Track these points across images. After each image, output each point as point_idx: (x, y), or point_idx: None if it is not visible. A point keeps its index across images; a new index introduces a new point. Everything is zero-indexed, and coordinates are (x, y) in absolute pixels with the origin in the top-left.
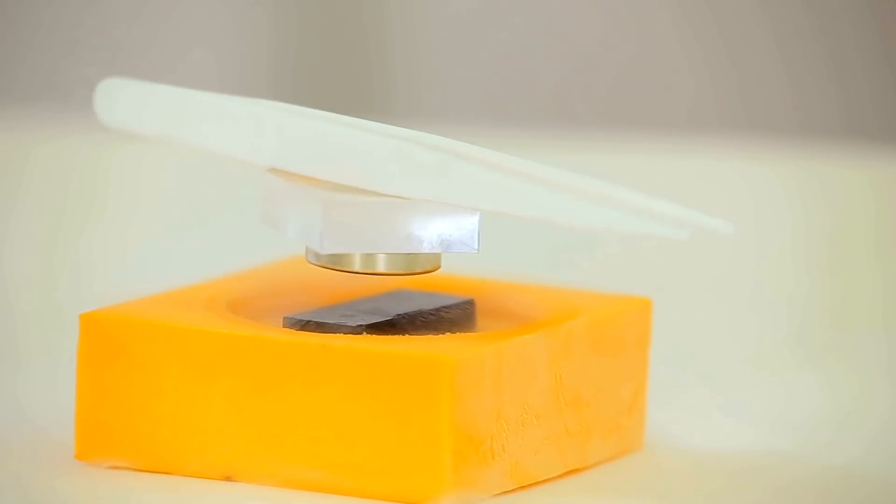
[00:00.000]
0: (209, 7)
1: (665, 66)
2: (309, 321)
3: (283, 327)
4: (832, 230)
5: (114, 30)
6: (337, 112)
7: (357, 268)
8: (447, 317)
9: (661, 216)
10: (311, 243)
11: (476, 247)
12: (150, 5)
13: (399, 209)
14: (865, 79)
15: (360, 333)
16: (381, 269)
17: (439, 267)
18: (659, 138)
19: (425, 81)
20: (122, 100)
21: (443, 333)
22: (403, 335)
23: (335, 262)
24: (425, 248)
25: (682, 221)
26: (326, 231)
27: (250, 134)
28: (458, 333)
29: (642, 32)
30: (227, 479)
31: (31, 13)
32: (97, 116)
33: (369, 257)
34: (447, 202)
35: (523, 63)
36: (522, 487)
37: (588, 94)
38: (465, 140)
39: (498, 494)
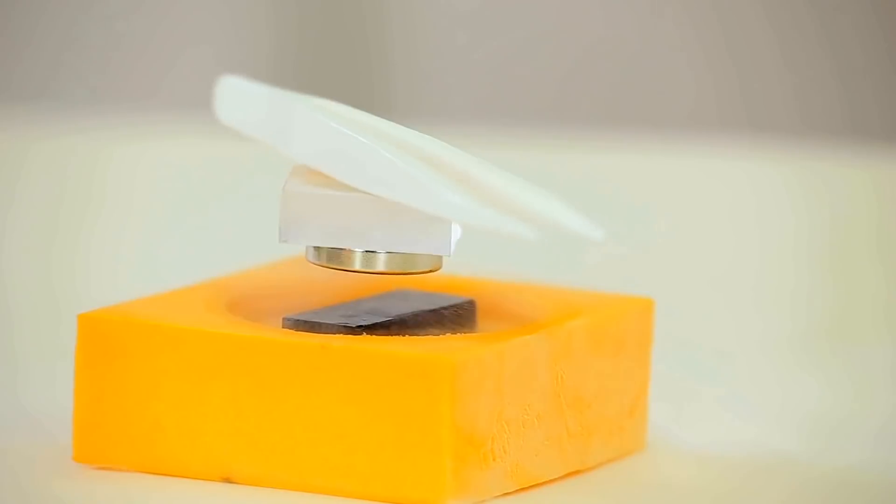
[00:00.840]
0: (208, 4)
1: (666, 65)
2: (308, 321)
3: (283, 328)
4: (835, 230)
5: (112, 28)
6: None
7: (357, 267)
8: (447, 317)
9: (523, 214)
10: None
11: (450, 251)
12: (147, 2)
13: (357, 204)
14: (868, 78)
15: (360, 334)
16: (380, 268)
17: (440, 267)
18: (660, 138)
19: (425, 79)
20: (240, 100)
21: (443, 334)
22: (403, 336)
23: (335, 262)
24: (383, 247)
25: (545, 222)
26: (284, 222)
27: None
28: (458, 334)
29: (644, 31)
30: (227, 480)
31: (27, 10)
32: (215, 113)
33: (369, 256)
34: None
35: (524, 61)
36: (523, 489)
37: (589, 93)
38: (466, 139)
39: (499, 496)
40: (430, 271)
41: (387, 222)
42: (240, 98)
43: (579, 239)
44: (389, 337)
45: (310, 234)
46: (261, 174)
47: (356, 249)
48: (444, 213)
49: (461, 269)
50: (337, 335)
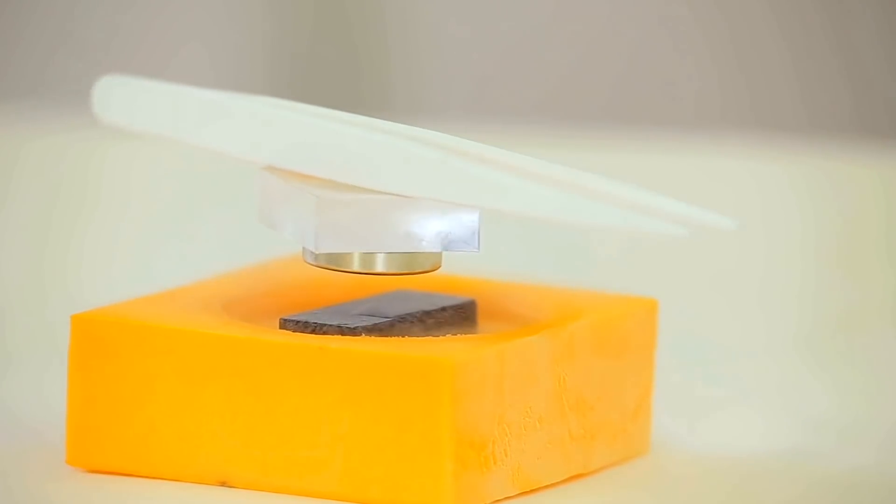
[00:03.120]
0: (204, 1)
1: (672, 62)
2: (306, 322)
3: (280, 329)
4: (842, 229)
5: (105, 25)
6: (333, 108)
7: (355, 268)
8: (447, 318)
9: (661, 213)
10: (305, 243)
11: (477, 246)
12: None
13: (396, 207)
14: (876, 75)
15: (359, 335)
16: (379, 269)
17: (439, 267)
18: (666, 135)
19: (424, 77)
20: (121, 97)
21: (443, 335)
22: (403, 337)
23: (333, 263)
24: (424, 247)
25: (683, 218)
26: (321, 230)
27: (247, 132)
28: (458, 335)
29: (648, 27)
30: (223, 484)
31: (19, 7)
32: (95, 114)
33: (368, 257)
34: (445, 200)
35: (525, 59)
36: (525, 493)
37: (593, 90)
38: (466, 137)
39: (500, 500)
40: (430, 271)
41: (418, 222)
42: (134, 94)
43: (716, 231)
44: (388, 338)
45: (348, 240)
46: (258, 172)
47: (395, 251)
48: (595, 221)
49: (462, 269)
50: (335, 336)
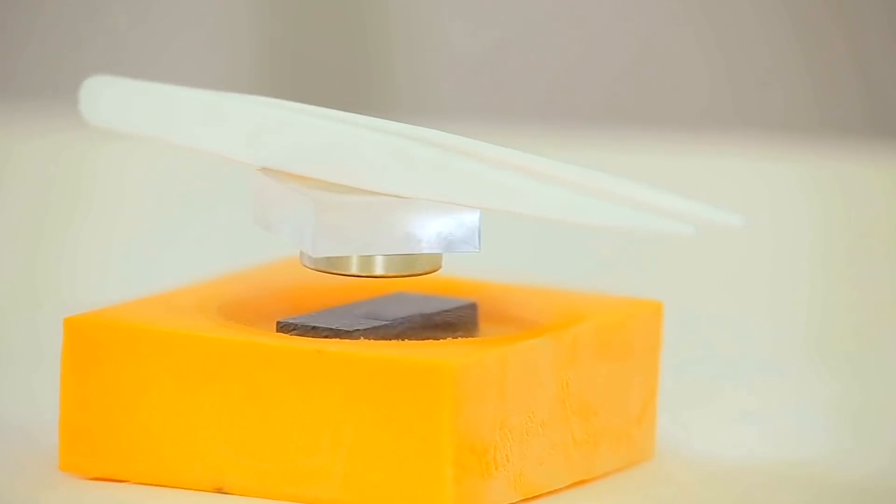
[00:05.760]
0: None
1: (678, 61)
2: (304, 325)
3: (277, 332)
4: (851, 230)
5: (100, 24)
6: (332, 108)
7: (354, 270)
8: (448, 321)
9: (667, 211)
10: (303, 246)
11: (478, 246)
12: None
13: (395, 208)
14: (887, 75)
15: (357, 338)
16: (378, 271)
17: (440, 268)
18: (673, 135)
19: (424, 75)
20: (109, 98)
21: (443, 338)
22: (402, 340)
23: (331, 265)
24: (423, 249)
25: (690, 216)
26: (318, 232)
27: (241, 133)
28: (459, 338)
29: (654, 25)
30: (219, 490)
31: (12, 9)
32: (82, 115)
33: (366, 259)
34: (446, 201)
35: (528, 56)
36: (527, 499)
37: (598, 90)
38: (468, 136)
39: None
40: (430, 272)
41: (418, 223)
42: (123, 95)
43: (724, 228)
44: (387, 342)
45: (346, 243)
46: (254, 173)
47: (392, 254)
48: (601, 221)
49: (462, 270)
50: (333, 340)
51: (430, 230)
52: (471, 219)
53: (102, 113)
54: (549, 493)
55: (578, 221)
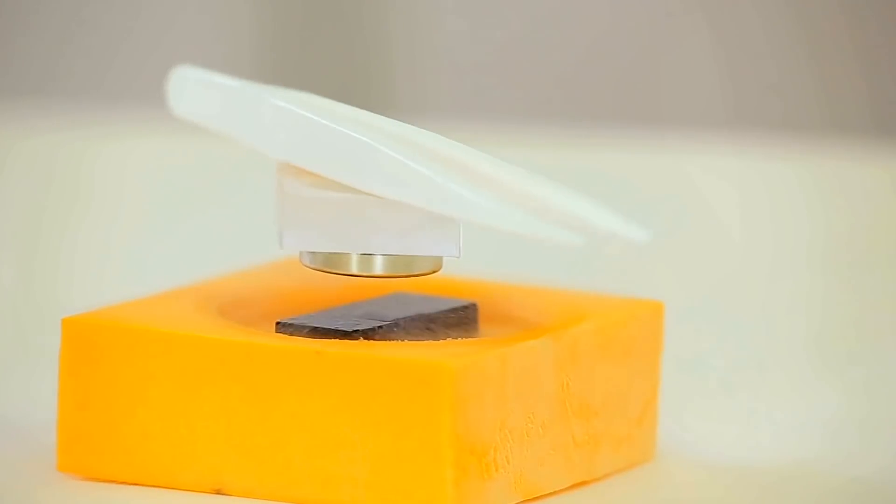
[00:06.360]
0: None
1: (678, 60)
2: (303, 326)
3: (276, 332)
4: (851, 230)
5: (96, 23)
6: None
7: (354, 270)
8: (448, 321)
9: (574, 220)
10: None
11: (457, 252)
12: None
13: (364, 207)
14: (888, 74)
15: (357, 339)
16: (378, 271)
17: (440, 269)
18: (672, 135)
19: (424, 74)
20: (193, 91)
21: (443, 339)
22: (402, 341)
23: (330, 265)
24: (390, 250)
25: (596, 227)
26: (286, 227)
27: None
28: (459, 339)
29: (653, 25)
30: (218, 492)
31: (11, 7)
32: (169, 106)
33: (366, 259)
34: (350, 185)
35: (530, 55)
36: (528, 500)
37: (598, 89)
38: (466, 136)
39: None
40: (429, 273)
41: (392, 224)
42: (203, 91)
43: (622, 242)
44: (387, 342)
45: (313, 240)
46: (253, 173)
47: (357, 253)
48: (473, 217)
49: (462, 271)
50: (333, 340)
51: (399, 231)
52: (449, 224)
53: (185, 105)
54: (550, 494)
55: (469, 220)
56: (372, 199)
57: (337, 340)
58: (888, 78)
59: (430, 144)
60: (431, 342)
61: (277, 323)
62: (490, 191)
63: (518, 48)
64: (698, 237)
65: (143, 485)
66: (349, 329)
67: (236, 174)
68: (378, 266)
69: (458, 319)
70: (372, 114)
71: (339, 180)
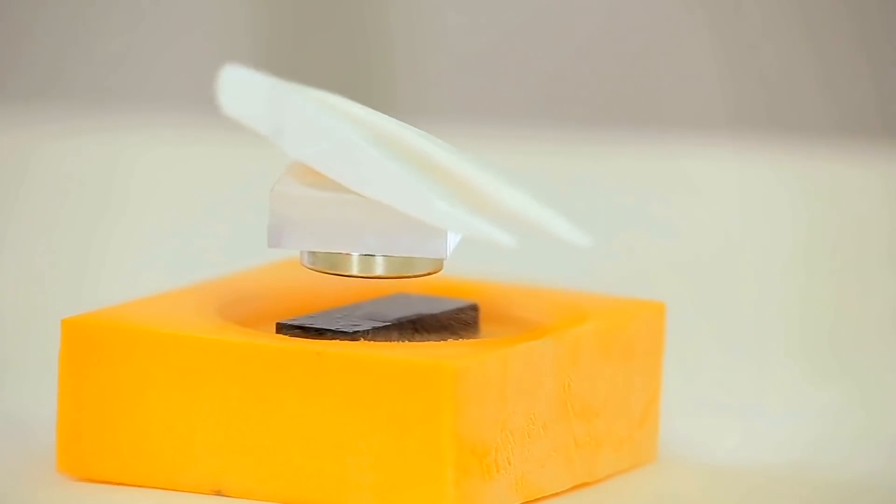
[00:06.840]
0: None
1: (677, 60)
2: (303, 327)
3: (277, 333)
4: (851, 231)
5: (97, 24)
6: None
7: (354, 271)
8: (449, 322)
9: (507, 219)
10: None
11: (445, 253)
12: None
13: (350, 207)
14: (888, 75)
15: (358, 340)
16: (379, 272)
17: (440, 269)
18: (666, 136)
19: (424, 75)
20: (244, 91)
21: (444, 340)
22: (403, 342)
23: (331, 266)
24: (374, 250)
25: (532, 227)
26: (273, 225)
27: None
28: (460, 340)
29: (653, 24)
30: (218, 493)
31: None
32: (220, 104)
33: (367, 260)
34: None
35: (527, 56)
36: (529, 502)
37: (597, 89)
38: (464, 135)
39: None
40: (430, 274)
41: (380, 224)
42: (243, 89)
43: (565, 244)
44: (388, 343)
45: (300, 239)
46: (253, 173)
47: (351, 253)
48: (424, 215)
49: (463, 271)
50: (334, 341)
51: (386, 232)
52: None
53: (236, 105)
54: (551, 495)
55: (408, 213)
56: (362, 199)
57: (338, 341)
58: (888, 78)
59: (418, 144)
60: (432, 343)
61: (278, 324)
62: (451, 192)
63: (518, 48)
64: (698, 237)
65: (142, 486)
66: (350, 330)
67: (237, 175)
68: (378, 267)
69: (459, 320)
70: (382, 115)
71: (333, 177)
